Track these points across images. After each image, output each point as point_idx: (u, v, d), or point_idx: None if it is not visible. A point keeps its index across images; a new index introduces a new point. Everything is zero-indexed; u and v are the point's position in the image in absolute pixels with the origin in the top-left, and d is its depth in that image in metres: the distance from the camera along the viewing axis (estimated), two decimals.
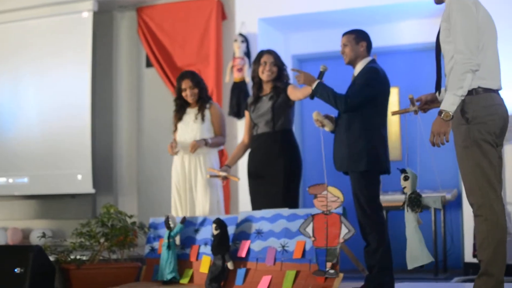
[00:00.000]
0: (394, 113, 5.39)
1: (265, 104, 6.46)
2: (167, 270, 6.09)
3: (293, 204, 6.20)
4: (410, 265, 4.59)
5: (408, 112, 5.04)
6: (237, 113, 8.55)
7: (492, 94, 4.47)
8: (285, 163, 6.29)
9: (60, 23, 9.91)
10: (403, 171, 4.67)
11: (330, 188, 4.88)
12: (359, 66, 5.92)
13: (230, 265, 5.65)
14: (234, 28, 9.00)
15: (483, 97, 4.45)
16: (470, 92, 4.45)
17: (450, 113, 4.34)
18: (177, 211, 6.97)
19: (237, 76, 8.71)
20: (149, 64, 9.86)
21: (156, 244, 6.51)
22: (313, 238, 4.88)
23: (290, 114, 6.49)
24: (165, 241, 6.18)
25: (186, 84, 7.01)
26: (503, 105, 4.51)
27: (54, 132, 9.79)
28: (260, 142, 6.49)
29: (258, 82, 6.59)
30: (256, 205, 6.36)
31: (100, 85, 9.95)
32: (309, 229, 4.91)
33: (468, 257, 7.41)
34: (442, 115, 4.36)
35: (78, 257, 6.47)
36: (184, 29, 9.56)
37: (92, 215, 9.40)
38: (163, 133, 9.46)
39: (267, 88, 6.55)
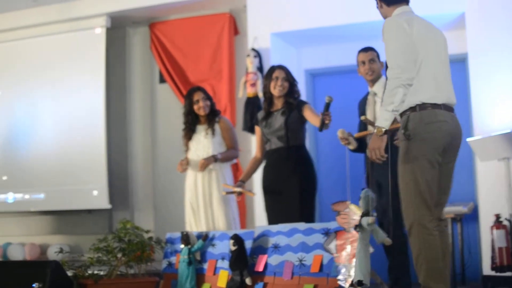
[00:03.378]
0: (358, 136, 5.46)
1: (278, 120, 6.49)
2: (187, 285, 6.11)
3: (310, 219, 6.23)
4: (358, 277, 4.65)
5: (371, 133, 5.09)
6: (251, 128, 8.56)
7: (435, 110, 4.53)
8: (300, 179, 6.33)
9: (74, 39, 10.00)
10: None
11: (352, 206, 4.91)
12: (380, 84, 5.97)
13: (248, 281, 5.66)
14: (247, 43, 9.02)
15: (425, 114, 4.52)
16: (413, 109, 4.53)
17: (383, 129, 4.41)
18: (191, 227, 7.03)
19: (250, 91, 8.72)
20: (162, 80, 9.91)
21: (173, 259, 6.54)
22: (336, 255, 4.91)
23: (303, 130, 6.54)
24: (184, 257, 6.19)
25: (198, 95, 7.10)
26: (448, 122, 4.55)
27: (70, 148, 9.87)
28: (274, 158, 6.53)
29: (269, 98, 6.63)
30: (272, 221, 6.40)
31: (114, 101, 10.02)
32: (333, 246, 4.94)
33: (486, 269, 7.39)
34: (375, 130, 4.43)
35: (95, 272, 6.49)
36: (196, 44, 9.62)
37: (109, 230, 9.43)
38: (178, 148, 9.47)
39: (278, 103, 6.59)
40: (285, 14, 8.80)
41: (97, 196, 9.69)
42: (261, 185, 6.68)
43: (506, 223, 7.13)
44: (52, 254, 9.04)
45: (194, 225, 7.08)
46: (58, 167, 9.92)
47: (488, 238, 7.35)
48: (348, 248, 4.87)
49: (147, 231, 6.80)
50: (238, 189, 6.65)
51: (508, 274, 7.10)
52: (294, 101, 6.51)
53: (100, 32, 9.81)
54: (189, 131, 7.22)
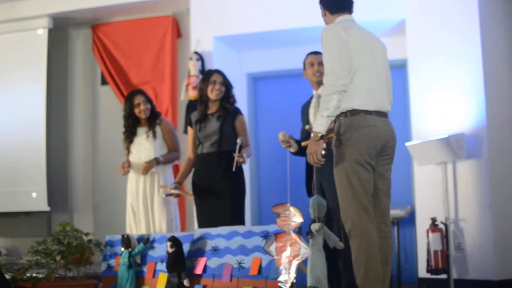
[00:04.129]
0: (304, 145, 5.52)
1: (213, 124, 6.56)
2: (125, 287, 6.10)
3: (240, 221, 6.36)
4: (310, 283, 4.72)
5: None
6: None
7: (366, 116, 4.64)
8: (230, 182, 6.42)
9: (15, 40, 9.90)
10: None
11: (292, 209, 4.95)
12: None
13: (186, 282, 5.66)
14: (189, 46, 9.03)
15: (355, 119, 4.64)
16: (344, 114, 4.65)
17: (319, 134, 4.52)
18: (132, 230, 7.01)
19: (192, 94, 8.72)
20: (104, 82, 9.87)
21: (112, 262, 6.51)
22: (276, 257, 4.94)
23: (235, 136, 6.57)
24: (124, 260, 6.16)
25: (139, 99, 7.10)
26: (378, 126, 4.66)
27: (9, 150, 9.76)
28: (205, 162, 6.59)
29: (205, 101, 6.68)
30: (202, 223, 6.48)
31: (55, 102, 9.94)
32: (273, 248, 4.97)
33: (422, 272, 7.52)
34: (312, 135, 4.54)
35: (34, 275, 6.45)
36: (139, 46, 9.60)
37: (47, 233, 9.36)
38: (119, 151, 9.42)
39: (213, 107, 6.66)
40: (228, 18, 8.83)
41: (36, 198, 9.59)
42: (192, 188, 6.73)
43: (441, 226, 7.25)
44: None
45: (134, 228, 7.07)
46: None
47: (424, 241, 7.48)
48: (288, 250, 4.91)
49: (87, 234, 6.77)
50: (176, 191, 6.65)
51: (443, 276, 7.23)
52: (230, 107, 6.61)
53: (42, 33, 9.73)
54: (130, 134, 7.20)
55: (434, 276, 7.30)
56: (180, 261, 5.74)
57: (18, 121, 9.75)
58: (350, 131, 4.61)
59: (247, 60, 9.37)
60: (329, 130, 4.77)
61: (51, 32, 9.79)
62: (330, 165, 4.82)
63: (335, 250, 5.11)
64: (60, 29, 9.96)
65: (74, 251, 6.52)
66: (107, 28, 9.89)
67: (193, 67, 8.73)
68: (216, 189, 6.45)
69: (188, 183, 6.85)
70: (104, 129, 9.90)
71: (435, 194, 7.51)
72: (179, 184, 6.72)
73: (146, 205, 7.01)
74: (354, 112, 4.63)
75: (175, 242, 5.76)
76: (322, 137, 4.51)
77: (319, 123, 4.51)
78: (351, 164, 4.58)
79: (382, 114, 4.71)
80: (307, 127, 5.60)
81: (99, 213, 9.77)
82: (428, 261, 7.25)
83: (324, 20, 5.08)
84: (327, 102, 4.49)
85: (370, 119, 4.63)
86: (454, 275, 7.22)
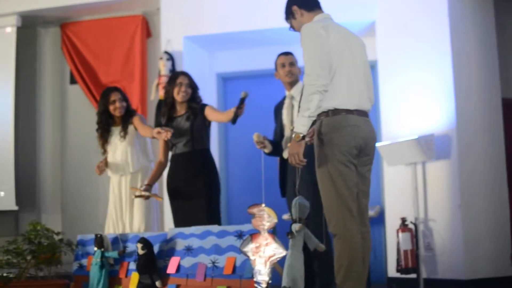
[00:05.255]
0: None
1: (183, 125, 6.54)
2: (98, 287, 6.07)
3: (216, 220, 6.35)
4: (285, 283, 4.73)
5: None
6: None
7: (347, 115, 4.63)
8: (205, 181, 6.42)
9: None
10: None
11: (267, 209, 4.96)
12: (298, 87, 6.07)
13: (158, 283, 5.62)
14: (159, 45, 9.03)
15: (336, 119, 4.63)
16: (326, 114, 4.65)
17: (300, 134, 4.50)
18: (109, 230, 6.96)
19: (162, 94, 8.63)
20: (73, 81, 9.82)
21: (84, 261, 6.46)
22: (252, 258, 4.95)
23: (207, 134, 6.61)
24: (97, 260, 6.11)
25: (115, 96, 7.06)
26: (360, 126, 4.66)
27: None
28: (179, 161, 6.59)
29: (171, 103, 6.66)
30: (179, 223, 6.45)
31: (24, 101, 9.86)
32: (248, 249, 4.97)
33: (391, 271, 7.59)
34: (294, 136, 4.53)
35: (5, 274, 6.40)
36: (108, 45, 9.57)
37: (15, 232, 9.29)
38: (88, 150, 9.45)
39: (181, 109, 6.64)
40: (198, 18, 8.84)
41: (3, 197, 9.51)
42: (166, 189, 6.72)
43: (411, 226, 7.32)
44: None
45: (112, 227, 7.02)
46: None
47: (393, 241, 7.54)
48: (263, 250, 4.92)
49: (58, 233, 6.74)
50: (145, 193, 6.62)
51: (412, 276, 7.29)
52: (197, 106, 6.59)
53: (10, 31, 9.65)
54: (104, 132, 7.16)
55: (403, 276, 7.36)
56: (152, 263, 5.70)
57: None
58: (332, 131, 4.59)
59: (217, 60, 9.38)
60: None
61: (20, 30, 9.72)
62: (305, 165, 4.81)
63: (309, 250, 5.13)
64: (29, 27, 9.89)
65: (45, 250, 6.48)
66: (76, 27, 9.84)
67: (164, 67, 8.72)
68: (191, 189, 6.45)
69: (160, 186, 6.84)
70: (72, 128, 9.85)
71: (405, 194, 7.58)
72: (149, 186, 6.70)
73: (127, 205, 6.97)
74: (335, 112, 4.61)
75: (146, 244, 5.72)
76: (303, 137, 4.51)
77: (300, 124, 4.48)
78: (333, 164, 4.57)
79: (363, 113, 4.71)
80: (291, 127, 5.60)
81: (67, 213, 9.72)
82: (398, 260, 7.30)
83: (299, 22, 4.98)
84: (308, 102, 4.46)
85: (352, 118, 4.62)
86: (424, 274, 7.29)
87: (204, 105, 6.60)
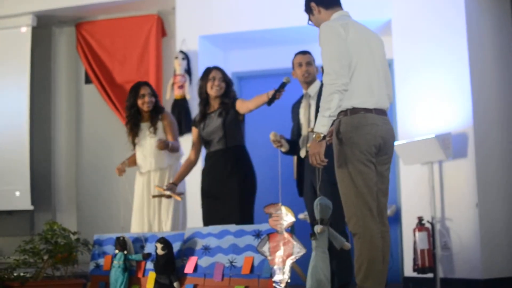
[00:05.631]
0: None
1: (215, 121, 6.44)
2: None
3: (249, 221, 6.22)
4: (309, 285, 4.71)
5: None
6: (178, 130, 8.53)
7: (366, 114, 4.59)
8: (239, 181, 6.30)
9: None
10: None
11: (284, 208, 4.95)
12: (315, 86, 6.05)
13: (176, 284, 5.59)
14: (175, 45, 9.03)
15: (356, 117, 4.59)
16: (344, 113, 4.61)
17: (321, 134, 4.47)
18: (135, 228, 6.89)
19: (177, 93, 8.72)
20: (88, 81, 9.83)
21: (101, 261, 6.45)
22: (270, 257, 4.93)
23: (241, 130, 6.48)
24: (120, 262, 6.03)
25: (145, 90, 6.96)
26: (379, 125, 4.62)
27: None
28: (214, 160, 6.48)
29: (205, 99, 6.55)
30: (209, 223, 6.25)
31: (39, 101, 9.88)
32: (266, 248, 4.96)
33: (408, 271, 7.56)
34: (314, 136, 4.49)
35: (21, 274, 6.40)
36: (123, 45, 9.58)
37: (30, 232, 9.31)
38: (102, 149, 9.49)
39: (214, 104, 6.53)
40: (213, 17, 8.84)
41: (19, 197, 9.53)
42: (200, 189, 6.61)
43: (428, 225, 7.29)
44: None
45: (139, 226, 6.93)
46: None
47: (409, 240, 7.52)
48: (282, 249, 4.91)
49: (74, 233, 6.73)
50: (167, 192, 6.55)
51: (429, 275, 7.26)
52: (229, 101, 6.45)
53: (25, 31, 9.67)
54: (133, 126, 7.02)
55: (420, 275, 7.33)
56: (171, 263, 5.67)
57: (1, 119, 9.70)
58: (351, 130, 4.56)
59: (232, 59, 9.36)
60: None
61: (35, 30, 9.74)
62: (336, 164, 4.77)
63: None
64: (44, 27, 9.91)
65: (62, 250, 6.46)
66: (91, 26, 9.86)
67: (179, 66, 8.72)
68: (223, 189, 6.35)
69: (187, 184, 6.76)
70: (88, 127, 9.86)
71: (421, 194, 7.55)
72: (174, 185, 6.62)
73: (158, 202, 6.87)
74: (354, 111, 4.58)
75: (166, 244, 5.69)
76: (324, 137, 4.49)
77: (321, 124, 4.45)
78: (353, 164, 4.54)
79: (382, 112, 4.68)
80: (309, 129, 5.57)
81: (82, 212, 9.74)
82: (415, 260, 7.28)
83: (317, 19, 4.95)
84: (328, 102, 4.43)
85: (370, 117, 4.59)
86: (440, 274, 7.27)
87: (236, 99, 6.50)
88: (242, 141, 6.49)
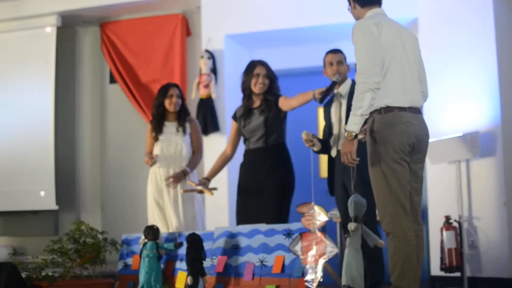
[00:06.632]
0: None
1: (257, 119, 6.37)
2: (158, 281, 5.96)
3: (284, 220, 6.15)
4: (344, 281, 4.70)
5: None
6: (204, 129, 8.55)
7: (400, 112, 4.58)
8: (277, 180, 6.21)
9: (24, 37, 9.87)
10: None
11: (317, 207, 4.94)
12: (346, 85, 6.03)
13: (203, 280, 5.56)
14: (199, 44, 9.04)
15: (390, 116, 4.57)
16: (378, 111, 4.60)
17: (353, 133, 4.47)
18: (156, 223, 6.84)
19: (203, 93, 8.72)
20: (112, 80, 9.85)
21: (129, 260, 6.48)
22: (302, 257, 4.93)
23: (282, 128, 6.41)
24: (153, 251, 5.97)
25: (173, 91, 7.03)
26: (413, 123, 4.60)
27: (17, 148, 9.72)
28: (252, 157, 6.40)
29: (248, 94, 6.48)
30: (244, 222, 6.15)
31: (63, 101, 9.90)
32: (298, 248, 4.96)
33: (435, 270, 7.53)
34: (346, 135, 4.49)
35: (50, 274, 6.43)
36: (148, 45, 9.58)
37: (55, 232, 9.36)
38: (127, 149, 9.50)
39: (257, 100, 6.45)
40: (239, 16, 8.84)
41: (44, 196, 9.56)
42: (237, 184, 6.53)
43: (455, 224, 7.26)
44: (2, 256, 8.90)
45: (159, 221, 6.87)
46: (4, 167, 9.77)
47: (437, 239, 7.49)
48: (314, 249, 4.90)
49: (102, 232, 6.75)
50: (199, 187, 6.52)
51: (456, 274, 7.23)
52: (272, 98, 6.37)
53: (50, 31, 9.71)
54: (158, 124, 7.06)
55: (447, 274, 7.30)
56: (198, 259, 5.56)
57: (26, 119, 9.73)
58: (385, 129, 4.55)
59: (258, 58, 9.31)
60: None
61: (60, 30, 9.76)
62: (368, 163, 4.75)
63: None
64: (69, 27, 9.94)
65: (90, 250, 6.50)
66: (115, 26, 9.88)
67: (205, 66, 8.72)
68: (261, 188, 6.25)
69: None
70: (112, 127, 9.88)
71: (448, 192, 7.52)
72: (207, 180, 6.60)
73: (172, 200, 6.87)
74: (388, 109, 4.57)
75: (193, 239, 5.64)
76: (356, 136, 4.48)
77: (353, 122, 4.45)
78: (386, 163, 4.52)
79: (416, 111, 4.67)
80: (344, 126, 5.54)
81: (107, 212, 9.76)
82: (442, 259, 7.25)
83: (353, 14, 4.96)
84: (360, 100, 4.43)
85: (405, 116, 4.57)
86: (468, 273, 7.23)
87: (278, 96, 6.40)
88: (283, 139, 6.41)
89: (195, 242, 5.63)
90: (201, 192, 6.62)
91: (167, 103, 7.02)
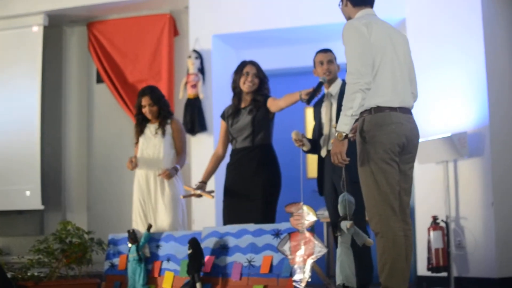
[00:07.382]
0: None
1: (244, 118, 6.34)
2: (140, 282, 6.02)
3: (271, 220, 6.14)
4: (339, 281, 4.69)
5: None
6: (191, 129, 8.53)
7: (390, 113, 4.58)
8: (264, 180, 6.19)
9: (10, 37, 9.84)
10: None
11: (306, 207, 4.93)
12: (336, 85, 6.02)
13: (198, 285, 5.53)
14: (187, 44, 9.02)
15: (380, 116, 4.57)
16: (369, 111, 4.60)
17: (343, 133, 4.46)
18: (138, 225, 6.83)
19: (191, 93, 8.70)
20: (99, 80, 9.82)
21: (116, 260, 6.45)
22: (290, 256, 4.92)
23: (270, 128, 6.38)
24: (134, 255, 6.07)
25: (145, 101, 6.92)
26: (403, 124, 4.60)
27: (3, 148, 9.70)
28: (238, 157, 6.37)
29: (238, 93, 6.46)
30: (233, 221, 6.10)
31: (50, 100, 9.87)
32: (287, 247, 4.95)
33: (422, 270, 7.54)
34: (336, 135, 4.49)
35: (35, 274, 6.39)
36: (135, 44, 9.57)
37: (40, 232, 9.32)
38: (113, 149, 9.47)
39: (247, 99, 6.43)
40: (226, 16, 8.83)
41: (29, 196, 9.52)
42: (223, 185, 6.51)
43: (442, 224, 7.26)
44: None
45: (140, 224, 6.88)
46: None
47: (423, 239, 7.50)
48: (302, 249, 4.89)
49: (88, 232, 6.71)
50: (198, 191, 6.47)
51: (443, 274, 7.24)
52: (261, 98, 6.36)
53: (37, 30, 9.67)
54: (140, 126, 7.03)
55: (434, 274, 7.31)
56: (196, 263, 5.57)
57: (12, 118, 9.70)
58: (375, 129, 4.55)
59: (246, 58, 9.30)
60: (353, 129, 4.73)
61: (47, 30, 9.74)
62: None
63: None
64: (56, 26, 9.91)
65: (77, 249, 6.45)
66: (102, 25, 9.86)
67: (192, 66, 8.70)
68: (247, 188, 6.23)
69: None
70: (99, 127, 9.86)
71: (435, 192, 7.52)
72: (203, 184, 6.55)
73: (155, 201, 6.84)
74: (378, 109, 4.57)
75: (193, 243, 5.61)
76: (346, 136, 4.47)
77: (343, 123, 4.45)
78: (376, 163, 4.52)
79: (406, 111, 4.67)
80: (333, 124, 5.54)
81: (93, 212, 9.74)
82: (429, 259, 7.26)
83: (343, 11, 4.95)
84: (350, 101, 4.43)
85: (395, 116, 4.57)
86: (455, 273, 7.25)
87: (267, 97, 6.37)
88: (269, 139, 6.38)
89: (197, 248, 5.62)
90: (199, 196, 6.56)
91: (143, 111, 6.97)
